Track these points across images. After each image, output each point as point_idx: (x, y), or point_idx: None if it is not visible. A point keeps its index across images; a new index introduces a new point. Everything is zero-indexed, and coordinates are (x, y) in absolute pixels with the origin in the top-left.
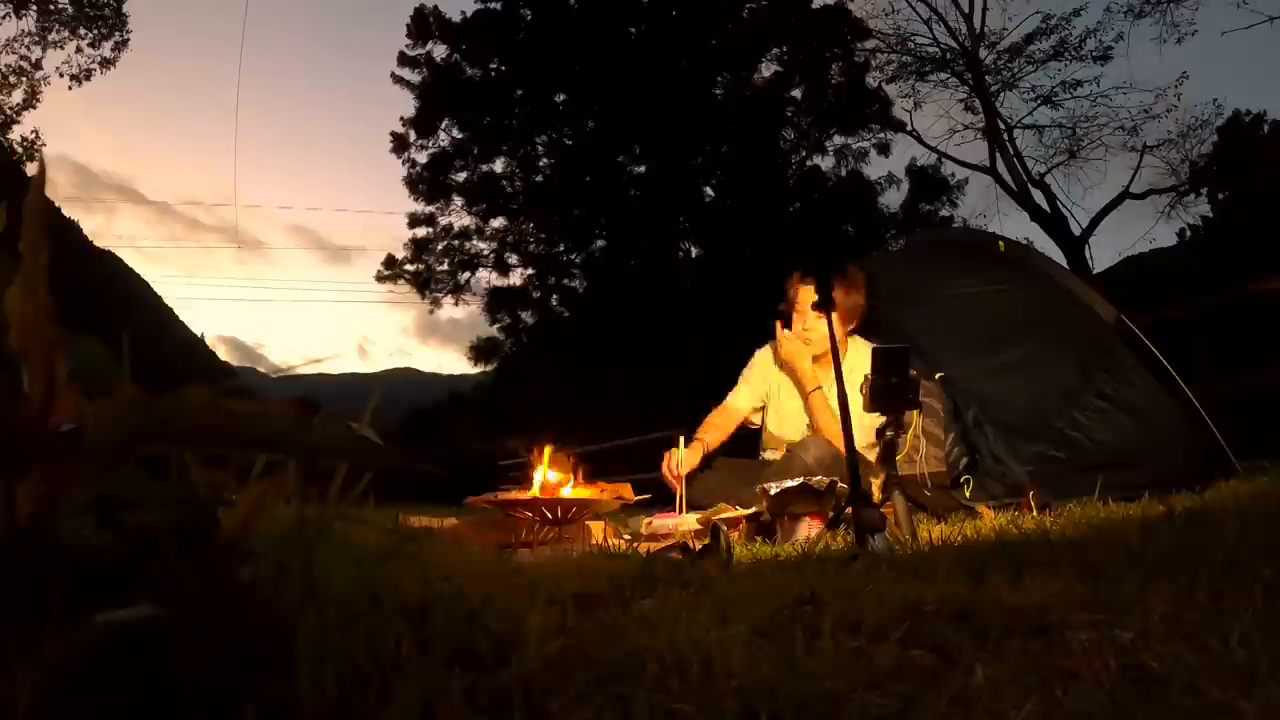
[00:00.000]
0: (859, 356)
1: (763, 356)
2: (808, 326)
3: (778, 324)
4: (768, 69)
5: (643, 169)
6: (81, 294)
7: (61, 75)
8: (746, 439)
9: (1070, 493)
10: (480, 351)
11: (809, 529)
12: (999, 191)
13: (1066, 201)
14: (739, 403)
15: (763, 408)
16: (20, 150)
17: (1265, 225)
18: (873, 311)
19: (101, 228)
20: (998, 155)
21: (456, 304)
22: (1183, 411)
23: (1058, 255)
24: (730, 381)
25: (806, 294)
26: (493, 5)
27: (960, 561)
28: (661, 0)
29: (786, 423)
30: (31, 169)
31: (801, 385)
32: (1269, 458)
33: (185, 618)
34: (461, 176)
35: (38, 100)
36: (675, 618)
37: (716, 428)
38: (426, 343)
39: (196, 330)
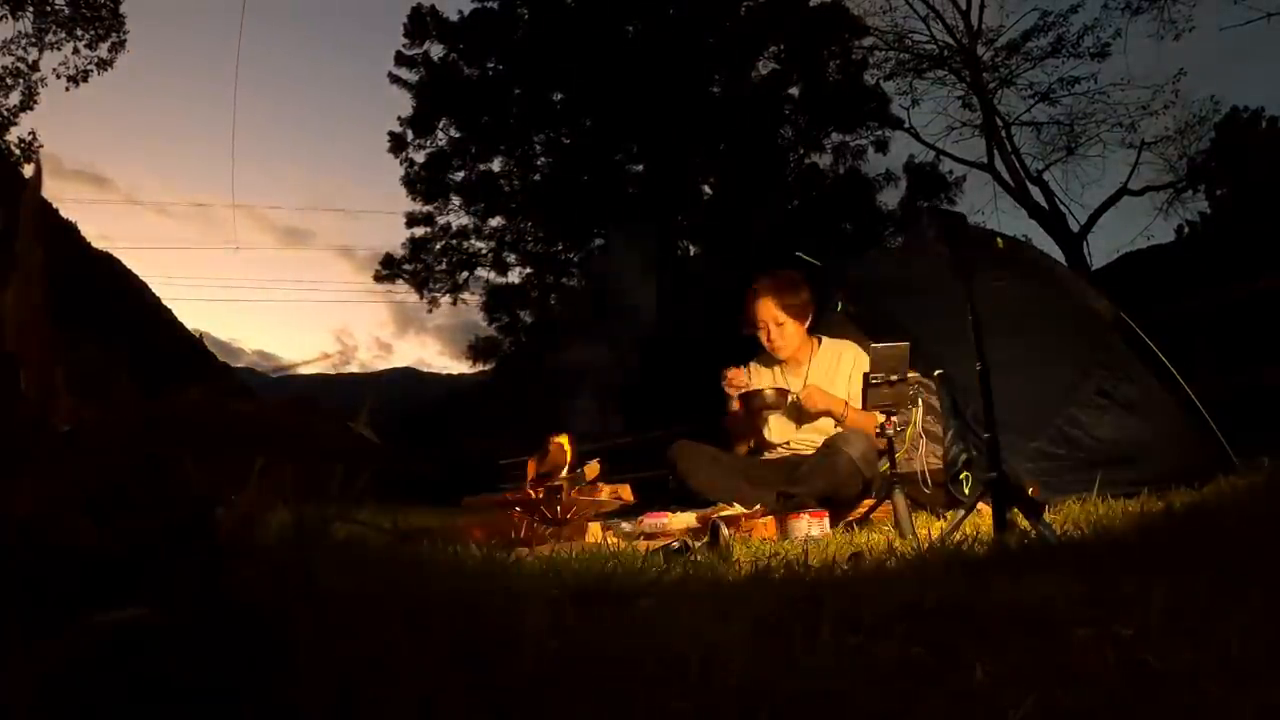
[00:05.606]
0: (829, 354)
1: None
2: (773, 339)
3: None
4: (765, 66)
5: (640, 167)
6: (82, 296)
7: (59, 76)
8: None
9: (1069, 490)
10: (479, 350)
11: (809, 527)
12: (997, 188)
13: (1064, 198)
14: None
15: None
16: (18, 152)
17: (1263, 221)
18: (868, 312)
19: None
20: (995, 152)
21: (455, 303)
22: (1182, 408)
23: (1056, 252)
24: None
25: (765, 309)
26: (490, 4)
27: (960, 559)
28: None
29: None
30: (29, 171)
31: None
32: (1268, 455)
33: (184, 617)
34: (459, 176)
35: (35, 102)
36: (675, 617)
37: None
38: (410, 340)
39: (194, 330)
